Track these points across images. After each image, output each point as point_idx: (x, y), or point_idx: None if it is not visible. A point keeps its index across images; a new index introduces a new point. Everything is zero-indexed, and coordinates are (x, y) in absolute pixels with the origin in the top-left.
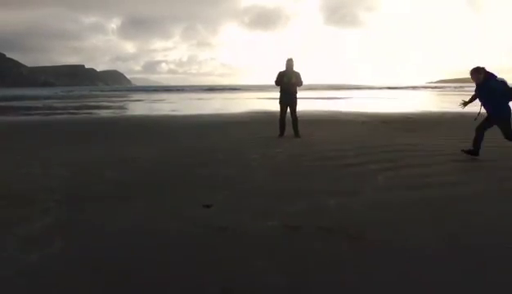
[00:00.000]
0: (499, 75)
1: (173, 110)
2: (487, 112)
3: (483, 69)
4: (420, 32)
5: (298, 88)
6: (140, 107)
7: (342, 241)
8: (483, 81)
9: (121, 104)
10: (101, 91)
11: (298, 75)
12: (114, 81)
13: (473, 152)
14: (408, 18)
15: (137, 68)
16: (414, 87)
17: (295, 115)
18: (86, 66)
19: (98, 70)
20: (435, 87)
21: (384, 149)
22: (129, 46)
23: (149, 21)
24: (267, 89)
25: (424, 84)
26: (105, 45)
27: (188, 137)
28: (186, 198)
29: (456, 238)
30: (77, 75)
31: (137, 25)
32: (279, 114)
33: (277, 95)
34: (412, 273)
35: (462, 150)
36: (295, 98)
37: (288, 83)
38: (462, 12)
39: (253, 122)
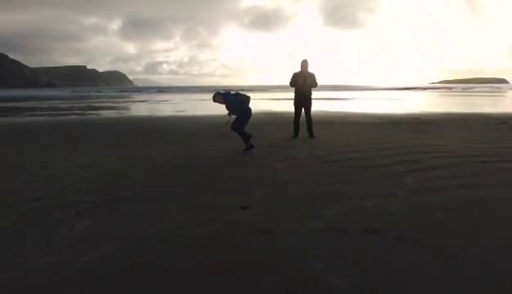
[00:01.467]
0: (499, 75)
1: (181, 111)
2: (237, 116)
3: (218, 93)
4: (420, 33)
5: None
6: (148, 108)
7: (393, 244)
8: (225, 101)
9: (129, 104)
10: (99, 91)
11: (312, 76)
12: (116, 81)
13: (250, 146)
14: (408, 19)
15: (139, 68)
16: (424, 88)
17: (310, 116)
18: (88, 67)
19: (100, 71)
20: (442, 88)
21: (402, 150)
22: (130, 47)
23: (149, 22)
24: (269, 90)
25: (426, 85)
26: (106, 46)
27: (203, 138)
28: (220, 200)
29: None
30: (79, 76)
31: (138, 26)
32: (293, 115)
33: (279, 95)
34: (472, 277)
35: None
36: (310, 99)
37: (303, 85)
38: (461, 13)
39: (263, 122)
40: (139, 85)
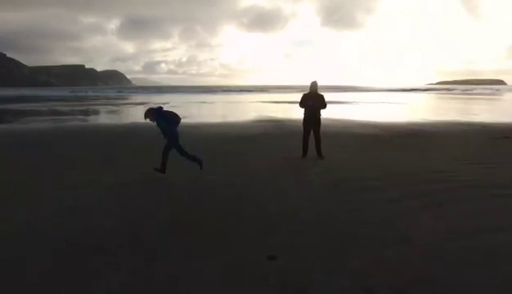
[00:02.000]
0: (497, 77)
1: (184, 117)
2: (167, 139)
3: (151, 109)
4: (418, 33)
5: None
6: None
7: None
8: (155, 120)
9: (129, 108)
10: (97, 91)
11: (322, 98)
12: (114, 81)
13: (162, 170)
14: (406, 20)
15: (137, 68)
16: (423, 90)
17: (319, 136)
18: (86, 66)
19: (98, 70)
20: (441, 89)
21: (413, 178)
22: (128, 47)
23: (147, 22)
24: (269, 90)
25: (425, 86)
26: (104, 45)
27: (207, 157)
28: (244, 245)
29: None
30: (77, 75)
31: (136, 26)
32: (302, 135)
33: (279, 97)
34: None
35: (155, 169)
36: (319, 121)
37: (312, 106)
38: (459, 13)
39: (267, 135)
40: (138, 84)
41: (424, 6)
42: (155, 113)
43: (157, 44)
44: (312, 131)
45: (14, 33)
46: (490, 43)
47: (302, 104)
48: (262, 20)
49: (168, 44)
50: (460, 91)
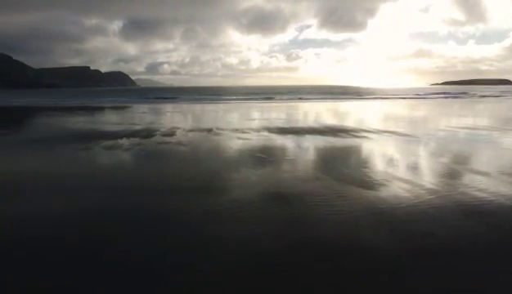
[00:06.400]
0: (502, 76)
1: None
2: None
3: None
4: (421, 33)
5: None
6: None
7: None
8: None
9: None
10: (115, 99)
11: None
12: (119, 82)
13: None
14: (408, 19)
15: (140, 69)
16: (432, 94)
17: None
18: (91, 67)
19: (102, 71)
20: (453, 93)
21: None
22: (131, 48)
23: (149, 23)
24: (274, 96)
25: (430, 87)
26: (107, 47)
27: None
28: None
29: None
30: (82, 77)
31: (138, 27)
32: None
33: (284, 113)
34: None
35: None
36: None
37: None
38: (461, 13)
39: None
40: (142, 85)
41: (426, 7)
42: None
43: (159, 45)
44: None
45: (19, 36)
46: (494, 42)
47: None
48: (263, 21)
49: (170, 45)
50: (470, 99)
